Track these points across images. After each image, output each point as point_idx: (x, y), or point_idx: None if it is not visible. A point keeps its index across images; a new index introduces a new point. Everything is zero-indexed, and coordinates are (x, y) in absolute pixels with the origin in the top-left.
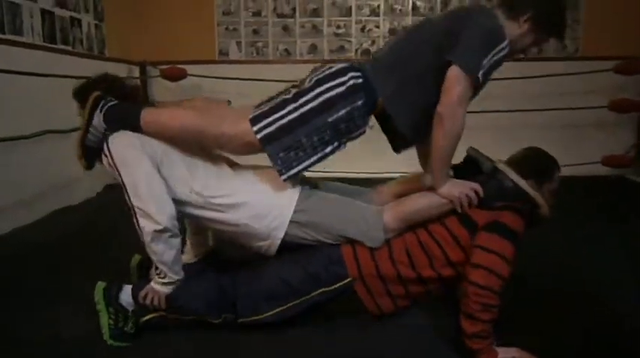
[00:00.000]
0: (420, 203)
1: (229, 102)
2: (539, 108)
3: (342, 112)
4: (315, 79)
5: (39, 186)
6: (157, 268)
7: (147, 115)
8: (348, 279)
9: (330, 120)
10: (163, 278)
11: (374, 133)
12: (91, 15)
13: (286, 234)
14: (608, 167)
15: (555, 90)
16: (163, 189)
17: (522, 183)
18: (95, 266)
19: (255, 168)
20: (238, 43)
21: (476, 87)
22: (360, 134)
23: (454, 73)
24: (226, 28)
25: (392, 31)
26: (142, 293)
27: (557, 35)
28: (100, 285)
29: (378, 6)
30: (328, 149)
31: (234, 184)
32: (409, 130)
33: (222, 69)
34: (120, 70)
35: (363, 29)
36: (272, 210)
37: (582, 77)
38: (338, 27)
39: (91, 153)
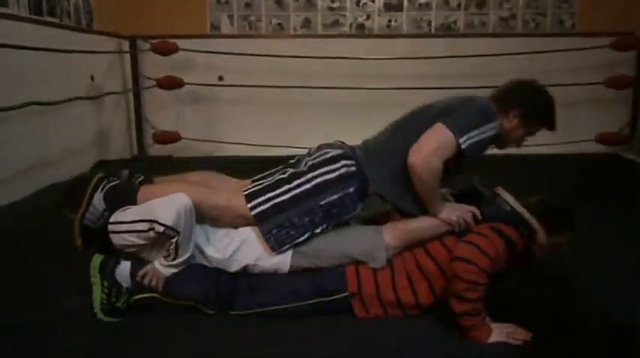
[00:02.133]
0: (420, 223)
1: (221, 77)
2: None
3: (334, 197)
4: (310, 163)
5: (27, 162)
6: (168, 246)
7: (143, 193)
8: (346, 294)
9: (321, 203)
10: (172, 259)
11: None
12: None
13: (291, 266)
14: (601, 145)
15: (551, 67)
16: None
17: (519, 208)
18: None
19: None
20: (230, 17)
21: (458, 155)
22: (351, 218)
23: (437, 127)
24: (218, 1)
25: (387, 6)
26: (142, 272)
27: (548, 127)
28: (98, 258)
29: None
30: (318, 230)
31: (230, 232)
32: (412, 207)
33: (214, 43)
34: (109, 44)
35: (358, 3)
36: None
37: (578, 54)
38: (332, 0)
39: (89, 233)
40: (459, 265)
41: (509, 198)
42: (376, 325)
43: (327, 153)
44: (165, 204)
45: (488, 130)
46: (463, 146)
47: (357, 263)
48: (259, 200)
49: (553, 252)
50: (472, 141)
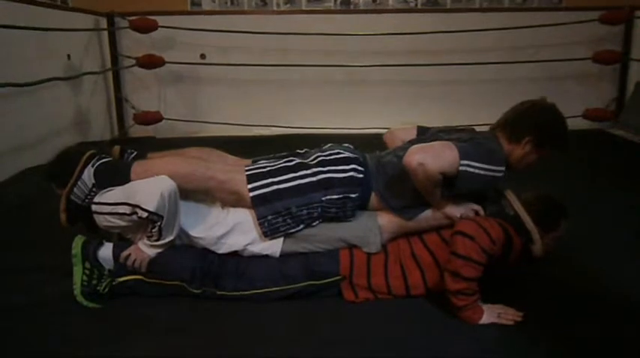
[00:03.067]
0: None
1: (203, 55)
2: (522, 60)
3: (337, 197)
4: (321, 158)
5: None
6: (150, 229)
7: (136, 168)
8: (339, 277)
9: (323, 198)
10: (155, 240)
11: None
12: None
13: (282, 251)
14: (588, 120)
15: (538, 42)
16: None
17: (524, 216)
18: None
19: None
20: None
21: (451, 179)
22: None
23: (447, 142)
24: None
25: None
26: (125, 253)
27: (561, 149)
28: (80, 239)
29: None
30: (314, 224)
31: (220, 217)
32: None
33: (195, 20)
34: (86, 22)
35: None
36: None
37: (566, 28)
38: None
39: (74, 208)
40: (458, 239)
41: (515, 203)
42: (366, 309)
43: (340, 153)
44: (148, 188)
45: (490, 171)
46: (460, 168)
47: (352, 247)
48: (261, 183)
49: (554, 246)
50: (470, 170)
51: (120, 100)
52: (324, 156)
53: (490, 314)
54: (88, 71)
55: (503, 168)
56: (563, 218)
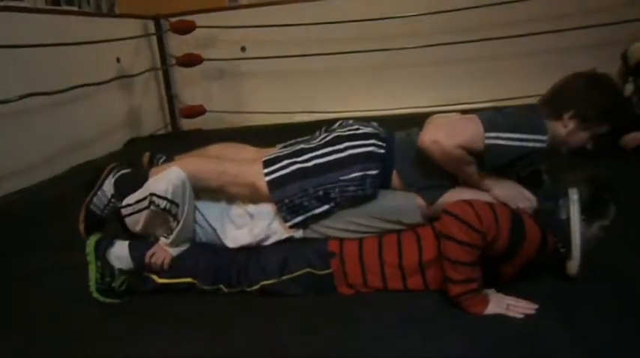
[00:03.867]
0: (461, 195)
1: (244, 48)
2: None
3: (355, 175)
4: (337, 134)
5: (67, 140)
6: (172, 221)
7: (154, 172)
8: (330, 270)
9: (342, 178)
10: (175, 234)
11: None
12: None
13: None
14: None
15: (583, 7)
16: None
17: (575, 225)
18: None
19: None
20: None
21: (479, 155)
22: (364, 200)
23: (469, 116)
24: None
25: None
26: (150, 253)
27: (612, 126)
28: (94, 237)
29: None
30: (332, 205)
31: (241, 209)
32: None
33: (234, 15)
34: (134, 27)
35: None
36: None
37: None
38: None
39: (93, 218)
40: (450, 220)
41: (574, 208)
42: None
43: (359, 129)
44: (159, 178)
45: (527, 142)
46: (487, 142)
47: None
48: (276, 166)
49: (600, 237)
50: (500, 142)
51: (170, 97)
52: (343, 131)
53: (497, 305)
54: (141, 71)
55: (544, 137)
56: (613, 204)
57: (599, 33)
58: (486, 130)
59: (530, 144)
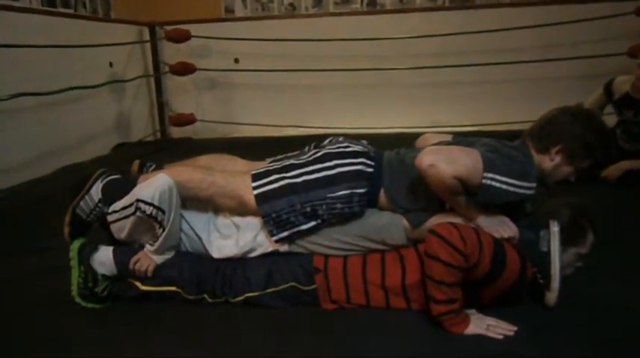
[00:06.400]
0: (445, 219)
1: (237, 60)
2: (553, 58)
3: (343, 193)
4: (327, 151)
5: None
6: (156, 230)
7: (141, 179)
8: (314, 286)
9: (329, 195)
10: (160, 241)
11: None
12: None
13: (290, 250)
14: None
15: (575, 38)
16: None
17: (555, 258)
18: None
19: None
20: (243, 0)
21: (469, 188)
22: (350, 218)
23: (472, 149)
24: None
25: None
26: (135, 259)
27: (598, 161)
28: (77, 242)
29: None
30: (319, 221)
31: (227, 220)
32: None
33: (229, 26)
34: (129, 33)
35: None
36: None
37: (602, 22)
38: None
39: (78, 223)
40: (435, 240)
41: (554, 241)
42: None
43: (348, 146)
44: (146, 184)
45: (519, 188)
46: (483, 181)
47: (366, 253)
48: (264, 180)
49: (577, 264)
50: (495, 184)
51: (161, 104)
52: (331, 149)
53: (478, 325)
54: (134, 77)
55: (534, 185)
56: (591, 232)
57: (586, 63)
58: (485, 170)
59: (521, 191)
